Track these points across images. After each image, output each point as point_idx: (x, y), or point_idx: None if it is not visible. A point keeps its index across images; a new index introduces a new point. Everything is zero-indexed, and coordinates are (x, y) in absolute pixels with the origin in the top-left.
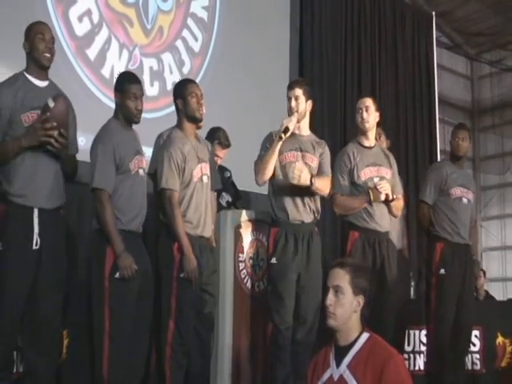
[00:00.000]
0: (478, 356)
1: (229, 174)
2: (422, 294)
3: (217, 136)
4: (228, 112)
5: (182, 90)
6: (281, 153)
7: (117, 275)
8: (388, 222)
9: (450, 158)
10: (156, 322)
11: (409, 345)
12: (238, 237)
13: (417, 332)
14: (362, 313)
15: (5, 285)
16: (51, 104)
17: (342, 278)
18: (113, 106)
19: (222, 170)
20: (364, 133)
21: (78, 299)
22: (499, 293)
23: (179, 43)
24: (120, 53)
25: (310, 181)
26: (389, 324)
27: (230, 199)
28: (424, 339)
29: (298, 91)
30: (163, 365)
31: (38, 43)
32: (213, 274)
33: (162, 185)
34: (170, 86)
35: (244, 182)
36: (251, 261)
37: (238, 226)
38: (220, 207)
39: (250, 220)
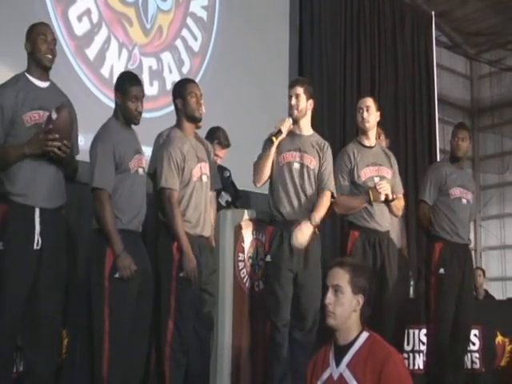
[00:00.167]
0: (477, 355)
1: (228, 174)
2: (422, 293)
3: (216, 136)
4: (227, 112)
5: (182, 90)
6: (280, 152)
7: (116, 275)
8: (388, 221)
9: (449, 157)
10: (155, 322)
11: (408, 344)
12: (237, 236)
13: (416, 331)
14: (361, 312)
15: (5, 284)
16: (54, 116)
17: (341, 277)
18: (112, 105)
19: (222, 169)
20: (364, 132)
21: (78, 299)
22: (498, 292)
23: (179, 43)
24: (119, 52)
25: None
26: (389, 323)
27: (230, 199)
28: (423, 338)
29: (299, 90)
30: (163, 364)
31: (40, 44)
32: (212, 274)
33: (161, 184)
34: (169, 86)
35: (243, 181)
36: (251, 260)
37: (238, 226)
38: (219, 207)
39: (249, 220)
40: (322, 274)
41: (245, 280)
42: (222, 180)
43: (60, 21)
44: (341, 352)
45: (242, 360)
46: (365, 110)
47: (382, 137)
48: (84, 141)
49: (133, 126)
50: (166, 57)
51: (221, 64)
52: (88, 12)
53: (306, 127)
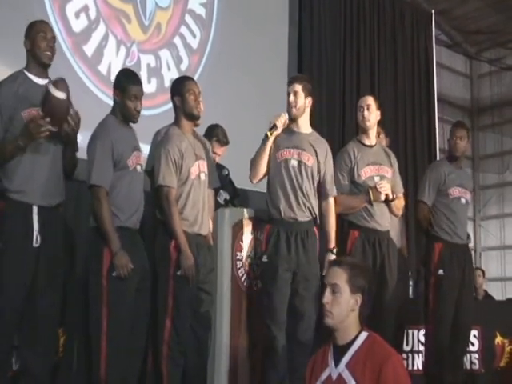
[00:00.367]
0: (476, 356)
1: (227, 172)
2: (421, 293)
3: (215, 133)
4: (226, 109)
5: (180, 87)
6: (277, 149)
7: (114, 274)
8: (388, 220)
9: (447, 157)
10: (152, 321)
11: (407, 344)
12: (235, 235)
13: (415, 332)
14: (360, 312)
15: (3, 283)
16: (55, 92)
17: (339, 276)
18: (110, 102)
19: (220, 167)
20: (365, 131)
21: (76, 298)
22: (498, 292)
23: (177, 40)
24: (117, 49)
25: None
26: (388, 323)
27: (228, 197)
28: (423, 339)
29: (298, 87)
30: (160, 364)
31: (39, 41)
32: (210, 273)
33: (158, 182)
34: (167, 83)
35: (242, 179)
36: (249, 259)
37: (236, 224)
38: (218, 205)
39: (247, 218)
40: (320, 274)
41: (243, 279)
42: (221, 178)
43: (57, 17)
44: (340, 352)
45: (240, 360)
46: (365, 108)
47: (382, 135)
48: (81, 138)
49: (131, 123)
50: (165, 54)
51: (219, 61)
52: (86, 8)
53: (304, 125)
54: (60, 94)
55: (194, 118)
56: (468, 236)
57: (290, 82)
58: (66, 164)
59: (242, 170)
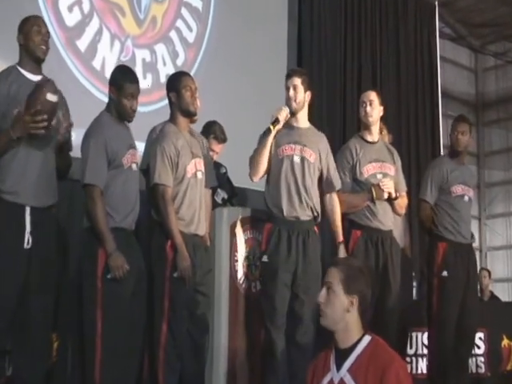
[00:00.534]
0: (482, 359)
1: (224, 170)
2: (425, 295)
3: (212, 130)
4: (223, 106)
5: (176, 83)
6: (278, 146)
7: (109, 275)
8: (391, 220)
9: (449, 153)
10: (148, 324)
11: (411, 348)
12: (233, 235)
13: (419, 334)
14: (360, 314)
15: None
16: (51, 98)
17: (334, 276)
18: (104, 99)
19: (218, 166)
20: (367, 127)
21: (69, 300)
22: (504, 294)
23: (173, 34)
24: (111, 44)
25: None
26: (391, 326)
27: (226, 196)
28: (427, 342)
29: (297, 80)
30: (156, 369)
31: (33, 35)
32: (207, 274)
33: (154, 180)
34: (163, 79)
35: (240, 178)
36: (247, 260)
37: (234, 224)
38: (215, 204)
39: (246, 218)
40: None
41: (241, 281)
42: (218, 177)
43: (50, 11)
44: (342, 356)
45: (239, 364)
46: (368, 104)
47: (385, 132)
48: (74, 136)
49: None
50: (160, 48)
51: (216, 56)
52: (79, 2)
53: (303, 120)
54: (53, 98)
55: (190, 115)
56: (472, 235)
57: (289, 75)
58: (59, 165)
59: (240, 168)
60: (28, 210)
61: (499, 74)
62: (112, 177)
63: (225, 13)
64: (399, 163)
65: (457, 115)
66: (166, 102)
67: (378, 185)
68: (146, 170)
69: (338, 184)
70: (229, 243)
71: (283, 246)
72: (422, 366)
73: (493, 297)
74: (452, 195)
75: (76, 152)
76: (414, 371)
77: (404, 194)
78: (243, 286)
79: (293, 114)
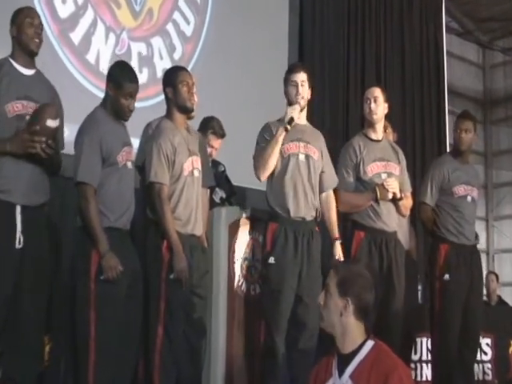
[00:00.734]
0: (489, 366)
1: (223, 169)
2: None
3: (211, 125)
4: (222, 102)
5: (172, 78)
6: (281, 144)
7: (103, 277)
8: (396, 221)
9: (452, 151)
10: (143, 328)
11: (415, 353)
12: (232, 236)
13: (424, 339)
14: (358, 318)
15: None
16: (51, 124)
17: (331, 279)
18: (98, 93)
19: (216, 164)
20: (371, 125)
21: (62, 302)
22: None
23: (170, 27)
24: (106, 37)
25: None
26: (395, 330)
27: (224, 195)
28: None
29: (304, 76)
30: (152, 373)
31: (26, 28)
32: (204, 276)
33: (150, 178)
34: (160, 73)
35: (239, 176)
36: (246, 262)
37: (233, 224)
38: (213, 204)
39: (245, 218)
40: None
41: (240, 283)
42: (216, 175)
43: (42, 2)
44: (344, 361)
45: (237, 369)
46: (372, 100)
47: (389, 130)
48: (68, 132)
49: None
50: (157, 42)
51: (215, 50)
52: None
53: (303, 117)
54: (53, 123)
55: (187, 111)
56: (476, 236)
57: (296, 70)
58: (49, 164)
59: (239, 166)
60: (19, 209)
61: (508, 71)
62: (106, 175)
63: (223, 5)
64: (404, 163)
65: (457, 111)
66: (163, 97)
67: (383, 184)
68: (142, 166)
69: (335, 182)
70: (227, 244)
71: (290, 247)
72: (427, 372)
73: (500, 301)
74: (454, 196)
75: (69, 149)
76: (418, 378)
77: (409, 194)
78: (242, 288)
79: (300, 110)
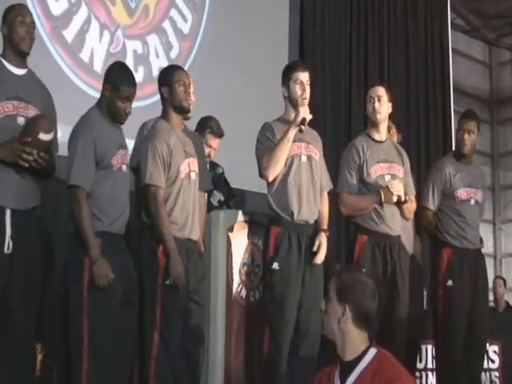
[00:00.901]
0: (497, 374)
1: (221, 171)
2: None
3: (208, 125)
4: (220, 102)
5: (168, 77)
6: None
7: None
8: (400, 224)
9: (454, 152)
10: (139, 335)
11: (420, 361)
12: (230, 240)
13: (429, 347)
14: (358, 325)
15: None
16: (43, 137)
17: (332, 284)
18: (92, 93)
19: (214, 166)
20: (375, 125)
21: (54, 309)
22: None
23: (166, 24)
24: (101, 34)
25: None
26: (400, 337)
27: (223, 198)
28: None
29: (308, 75)
30: (147, 382)
31: (17, 26)
32: (201, 282)
33: (145, 181)
34: (156, 72)
35: (238, 178)
36: (246, 267)
37: (231, 228)
38: (211, 207)
39: (244, 221)
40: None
41: (239, 289)
42: (215, 177)
43: None
44: (347, 370)
45: (236, 378)
46: (376, 99)
47: (393, 131)
48: (61, 133)
49: None
50: (153, 40)
51: (213, 48)
52: None
53: None
54: (46, 137)
55: (183, 111)
56: (481, 239)
57: (302, 69)
58: (41, 172)
59: (238, 168)
60: (8, 213)
61: None
62: (100, 178)
63: (222, 2)
64: (408, 165)
65: (463, 111)
66: (159, 97)
67: (387, 187)
68: (136, 167)
69: (330, 185)
70: (225, 249)
71: (294, 252)
72: (432, 381)
73: (508, 307)
74: (456, 200)
75: (61, 150)
76: None
77: (413, 197)
78: (241, 294)
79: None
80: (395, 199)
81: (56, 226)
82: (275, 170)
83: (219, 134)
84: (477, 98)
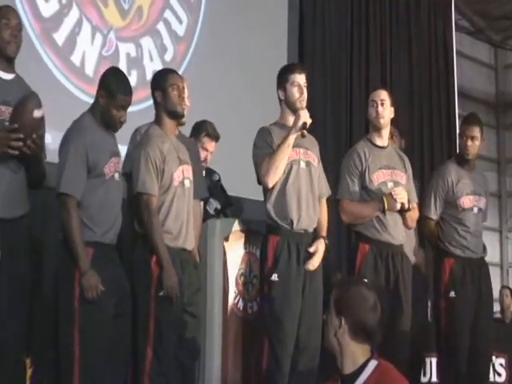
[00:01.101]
0: None
1: (217, 178)
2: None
3: (204, 128)
4: (216, 106)
5: (162, 81)
6: None
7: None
8: (402, 233)
9: (456, 158)
10: (132, 349)
11: (424, 375)
12: (227, 250)
13: (434, 360)
14: (356, 338)
15: None
16: (37, 114)
17: (332, 295)
18: (84, 98)
19: (210, 172)
20: (377, 130)
21: (43, 320)
22: None
23: (161, 26)
24: (92, 37)
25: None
26: (403, 350)
27: (219, 206)
28: None
29: (305, 78)
30: None
31: (2, 30)
32: (196, 293)
33: (138, 188)
34: (150, 76)
35: (235, 186)
36: (243, 278)
37: (228, 238)
38: (207, 215)
39: (241, 230)
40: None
41: (236, 301)
42: (211, 184)
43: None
44: (347, 383)
45: None
46: (379, 103)
47: (396, 137)
48: (51, 139)
49: None
50: (147, 42)
51: (209, 51)
52: None
53: None
54: (39, 113)
55: (177, 117)
56: (484, 248)
57: (300, 71)
58: (30, 176)
59: (235, 175)
60: None
61: None
62: (92, 186)
63: (218, 3)
64: (410, 171)
65: (465, 114)
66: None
67: (391, 194)
68: (129, 174)
69: (328, 191)
70: (222, 259)
71: (293, 262)
72: None
73: None
74: (459, 209)
75: (51, 157)
76: None
77: (416, 205)
78: (238, 306)
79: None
80: (398, 207)
81: (46, 234)
82: (275, 176)
83: (215, 137)
84: (482, 102)
